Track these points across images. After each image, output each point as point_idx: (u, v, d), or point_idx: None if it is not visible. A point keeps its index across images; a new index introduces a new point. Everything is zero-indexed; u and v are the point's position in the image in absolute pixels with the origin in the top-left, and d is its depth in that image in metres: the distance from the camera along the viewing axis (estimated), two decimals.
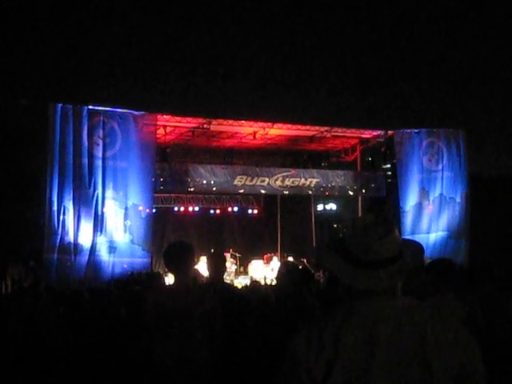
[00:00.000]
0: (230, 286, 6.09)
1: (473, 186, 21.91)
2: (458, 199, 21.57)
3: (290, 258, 21.12)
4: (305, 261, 20.23)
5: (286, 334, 2.31)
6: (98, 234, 17.45)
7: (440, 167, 21.55)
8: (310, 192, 21.98)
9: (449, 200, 21.51)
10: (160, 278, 10.56)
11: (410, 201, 21.24)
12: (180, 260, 4.42)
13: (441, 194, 21.44)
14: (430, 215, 21.33)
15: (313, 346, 2.14)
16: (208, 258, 6.19)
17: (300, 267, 6.53)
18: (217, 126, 19.85)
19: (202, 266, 19.98)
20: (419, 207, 21.27)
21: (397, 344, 2.09)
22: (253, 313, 5.29)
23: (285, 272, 5.43)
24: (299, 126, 20.75)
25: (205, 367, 4.30)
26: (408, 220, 21.06)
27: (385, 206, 22.50)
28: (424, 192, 21.36)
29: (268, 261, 21.94)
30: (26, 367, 5.89)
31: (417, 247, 2.34)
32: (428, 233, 21.02)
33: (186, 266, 4.46)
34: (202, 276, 19.00)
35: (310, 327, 2.21)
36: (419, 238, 20.05)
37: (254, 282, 8.13)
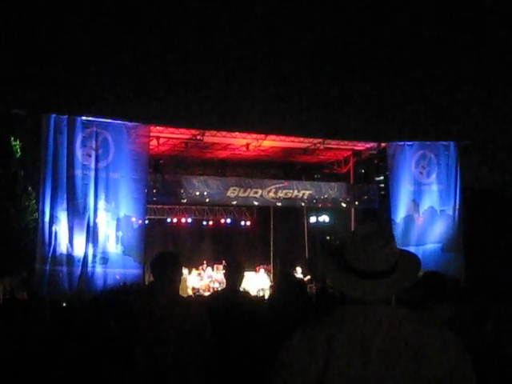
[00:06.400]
0: (244, 296, 6.01)
1: (465, 199, 21.91)
2: (450, 212, 21.57)
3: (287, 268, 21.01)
4: (299, 270, 20.11)
5: (279, 343, 2.30)
6: (91, 245, 17.38)
7: (431, 180, 21.60)
8: (303, 204, 21.98)
9: (440, 213, 21.52)
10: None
11: (401, 213, 21.27)
12: (166, 270, 4.43)
13: (431, 207, 21.45)
14: (420, 227, 21.35)
15: (305, 355, 2.15)
16: (225, 268, 6.26)
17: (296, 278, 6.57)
18: (210, 137, 19.85)
19: (194, 278, 20.03)
20: (410, 219, 21.28)
21: (389, 353, 2.10)
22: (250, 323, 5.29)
23: (283, 281, 5.47)
24: (292, 138, 20.76)
25: (198, 374, 4.32)
26: (399, 232, 21.02)
27: (378, 217, 22.49)
28: (414, 204, 21.37)
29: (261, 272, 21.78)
30: (18, 378, 5.85)
31: (414, 260, 2.35)
32: (419, 245, 20.97)
33: (173, 276, 4.48)
34: (193, 288, 19.11)
35: (302, 336, 2.21)
36: (410, 249, 20.03)
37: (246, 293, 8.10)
